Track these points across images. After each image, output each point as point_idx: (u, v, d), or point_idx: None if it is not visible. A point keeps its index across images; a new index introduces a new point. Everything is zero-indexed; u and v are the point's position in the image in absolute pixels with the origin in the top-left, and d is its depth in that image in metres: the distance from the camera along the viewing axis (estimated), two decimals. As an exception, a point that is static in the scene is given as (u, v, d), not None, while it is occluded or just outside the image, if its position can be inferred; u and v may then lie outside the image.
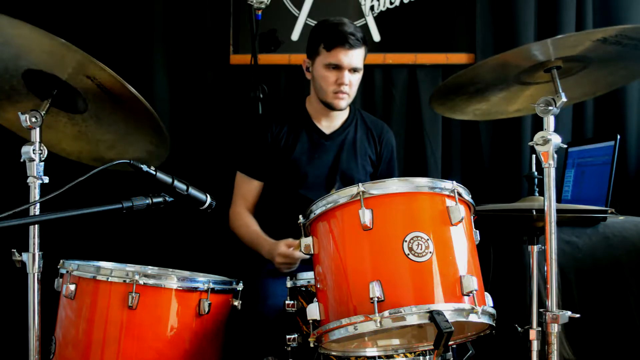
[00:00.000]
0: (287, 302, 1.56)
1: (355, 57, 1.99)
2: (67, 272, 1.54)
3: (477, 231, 1.38)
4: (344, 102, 2.05)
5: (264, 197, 2.17)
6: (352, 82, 2.03)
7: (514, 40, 2.56)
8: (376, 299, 1.19)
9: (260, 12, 2.40)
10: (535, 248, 1.63)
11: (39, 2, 2.55)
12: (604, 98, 1.74)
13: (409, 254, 1.23)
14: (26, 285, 1.43)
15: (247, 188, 2.14)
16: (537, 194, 1.69)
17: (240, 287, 1.68)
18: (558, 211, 1.39)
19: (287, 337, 1.50)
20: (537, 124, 2.58)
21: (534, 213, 1.54)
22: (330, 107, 2.08)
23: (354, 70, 2.01)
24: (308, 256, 1.44)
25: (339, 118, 2.18)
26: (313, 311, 1.32)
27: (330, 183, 2.12)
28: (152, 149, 1.68)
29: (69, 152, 1.75)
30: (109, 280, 1.51)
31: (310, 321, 1.33)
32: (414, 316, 1.19)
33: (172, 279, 1.55)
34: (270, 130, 2.11)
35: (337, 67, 1.99)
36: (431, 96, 1.66)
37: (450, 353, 1.49)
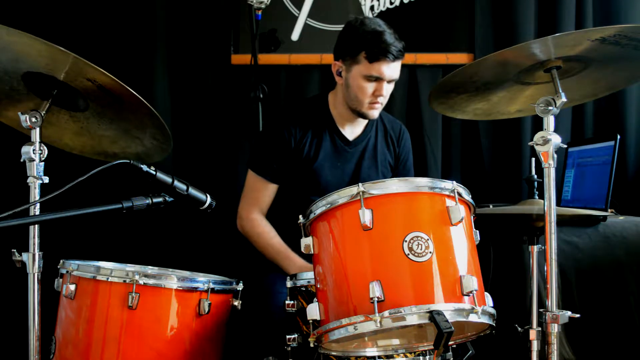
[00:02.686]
0: (287, 302, 1.56)
1: (396, 68, 1.92)
2: (67, 272, 1.54)
3: (477, 231, 1.38)
4: (378, 112, 1.98)
5: (277, 201, 2.06)
6: (388, 92, 1.96)
7: (513, 41, 2.56)
8: (376, 299, 1.19)
9: (260, 12, 2.40)
10: (535, 248, 1.63)
11: (41, 4, 2.56)
12: (603, 98, 1.75)
13: (409, 254, 1.23)
14: (26, 285, 1.43)
15: (263, 191, 2.03)
16: (536, 197, 1.69)
17: (240, 287, 1.68)
18: (557, 215, 1.38)
19: (287, 337, 1.49)
20: (537, 124, 2.59)
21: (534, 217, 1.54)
22: (363, 117, 2.01)
23: (392, 80, 1.94)
24: None
25: (363, 123, 2.09)
26: (313, 311, 1.32)
27: None
28: (156, 144, 1.68)
29: (72, 147, 1.75)
30: (109, 280, 1.51)
31: (310, 321, 1.33)
32: (414, 316, 1.19)
33: (172, 279, 1.55)
34: (294, 134, 1.99)
35: (378, 79, 1.90)
36: (430, 93, 1.66)
37: (450, 353, 1.49)
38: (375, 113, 1.98)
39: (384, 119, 2.17)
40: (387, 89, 1.95)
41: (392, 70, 1.90)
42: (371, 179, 2.03)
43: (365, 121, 2.09)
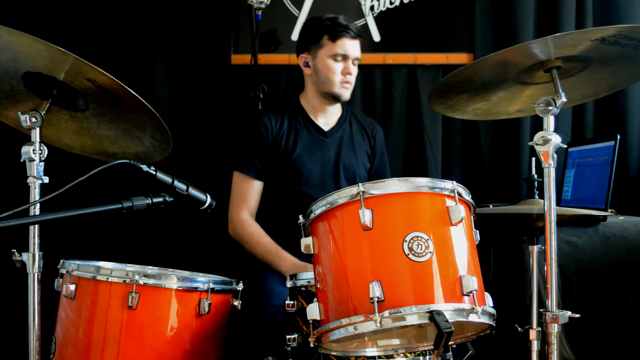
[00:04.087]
0: (287, 302, 1.56)
1: (358, 47, 2.06)
2: (67, 272, 1.54)
3: (477, 231, 1.38)
4: (349, 92, 2.09)
5: (263, 197, 2.12)
6: (354, 73, 2.08)
7: (513, 41, 2.56)
8: (376, 299, 1.19)
9: (260, 12, 2.40)
10: (535, 248, 1.63)
11: (41, 4, 2.56)
12: (604, 98, 1.74)
13: (409, 254, 1.23)
14: (26, 285, 1.43)
15: (249, 190, 2.08)
16: (537, 197, 1.69)
17: (240, 287, 1.68)
18: (557, 215, 1.38)
19: (287, 337, 1.49)
20: (537, 124, 2.58)
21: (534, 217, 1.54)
22: (337, 99, 2.10)
23: (356, 60, 2.07)
24: None
25: (335, 114, 2.19)
26: (313, 311, 1.31)
27: (333, 180, 2.10)
28: (156, 144, 1.68)
29: (72, 147, 1.75)
30: (109, 280, 1.51)
31: (310, 321, 1.33)
32: (414, 316, 1.19)
33: (172, 279, 1.55)
34: (270, 128, 2.09)
35: (344, 57, 2.04)
36: (430, 93, 1.66)
37: (450, 353, 1.49)
38: (347, 93, 2.10)
39: (357, 115, 2.28)
40: (353, 69, 2.08)
41: (354, 48, 2.06)
42: (352, 167, 2.14)
43: (338, 113, 2.20)
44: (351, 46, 2.04)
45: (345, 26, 2.02)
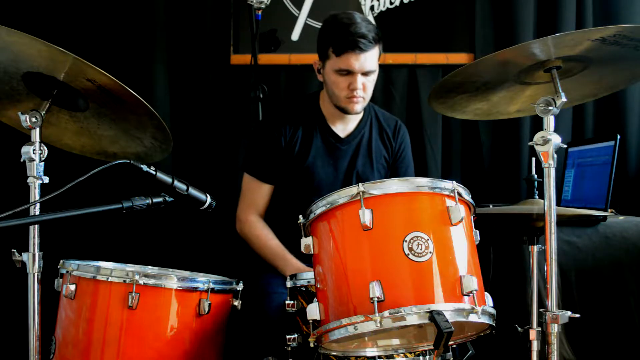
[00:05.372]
0: (287, 302, 1.56)
1: (367, 60, 1.85)
2: (67, 272, 1.54)
3: (477, 231, 1.38)
4: (359, 105, 1.93)
5: (273, 201, 2.07)
6: (367, 84, 1.90)
7: (513, 41, 2.57)
8: (376, 299, 1.19)
9: (260, 12, 2.40)
10: (535, 248, 1.63)
11: (41, 4, 2.56)
12: (604, 98, 1.74)
13: (409, 254, 1.23)
14: (26, 285, 1.43)
15: (258, 192, 2.03)
16: (537, 197, 1.69)
17: (240, 287, 1.68)
18: (557, 215, 1.38)
19: (287, 337, 1.49)
20: (537, 124, 2.59)
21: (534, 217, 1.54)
22: (345, 112, 1.97)
23: (368, 72, 1.88)
24: None
25: (355, 119, 2.07)
26: (313, 311, 1.32)
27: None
28: (156, 144, 1.68)
29: (72, 147, 1.75)
30: (109, 280, 1.51)
31: (310, 321, 1.33)
32: (414, 316, 1.19)
33: (172, 279, 1.55)
34: (284, 133, 1.99)
35: (349, 72, 1.87)
36: (430, 93, 1.65)
37: (450, 353, 1.49)
38: (356, 107, 1.93)
39: (379, 115, 2.15)
40: (363, 81, 1.89)
41: (362, 63, 1.85)
42: (366, 176, 2.05)
43: (357, 118, 2.07)
44: (357, 61, 1.83)
45: (352, 41, 1.81)
